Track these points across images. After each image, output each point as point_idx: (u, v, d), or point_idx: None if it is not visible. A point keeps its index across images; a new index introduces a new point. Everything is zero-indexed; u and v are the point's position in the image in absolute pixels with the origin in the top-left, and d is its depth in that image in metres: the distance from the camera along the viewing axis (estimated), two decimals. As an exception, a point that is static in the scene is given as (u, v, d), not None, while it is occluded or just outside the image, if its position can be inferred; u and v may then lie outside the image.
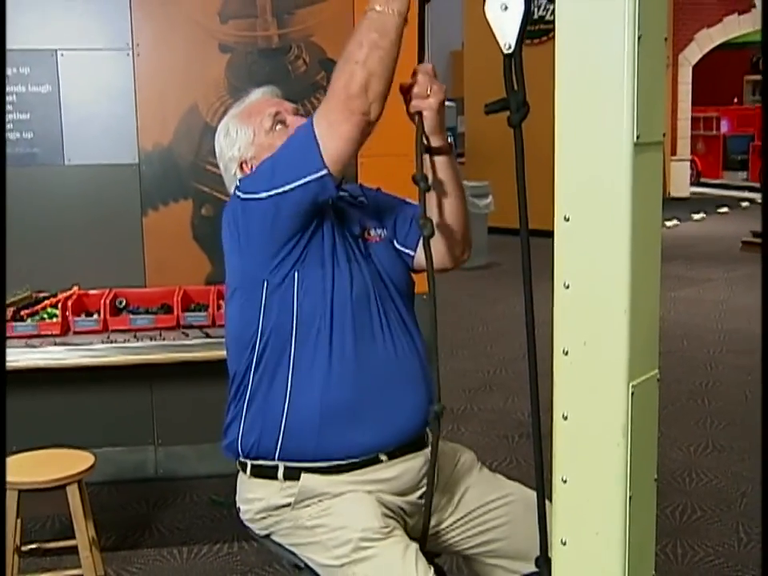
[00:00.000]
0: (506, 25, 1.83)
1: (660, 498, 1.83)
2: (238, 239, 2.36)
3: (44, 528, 4.01)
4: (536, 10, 12.46)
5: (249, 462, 2.42)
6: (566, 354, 1.65)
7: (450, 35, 15.89)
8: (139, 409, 4.41)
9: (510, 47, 1.84)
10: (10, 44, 4.11)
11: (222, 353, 2.61)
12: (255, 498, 2.42)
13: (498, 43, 1.84)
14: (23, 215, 4.22)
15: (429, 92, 2.27)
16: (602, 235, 1.60)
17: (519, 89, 1.88)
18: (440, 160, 2.38)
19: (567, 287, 1.64)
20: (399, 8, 2.11)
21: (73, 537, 3.34)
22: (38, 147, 4.22)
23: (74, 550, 3.36)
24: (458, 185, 2.44)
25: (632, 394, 1.62)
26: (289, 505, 2.36)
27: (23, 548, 3.51)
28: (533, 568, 1.99)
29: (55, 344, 3.77)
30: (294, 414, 2.34)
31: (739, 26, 17.08)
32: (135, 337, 3.81)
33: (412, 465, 2.41)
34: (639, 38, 1.56)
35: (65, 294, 4.03)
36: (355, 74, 2.09)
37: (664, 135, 1.75)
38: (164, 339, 3.80)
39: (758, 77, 21.58)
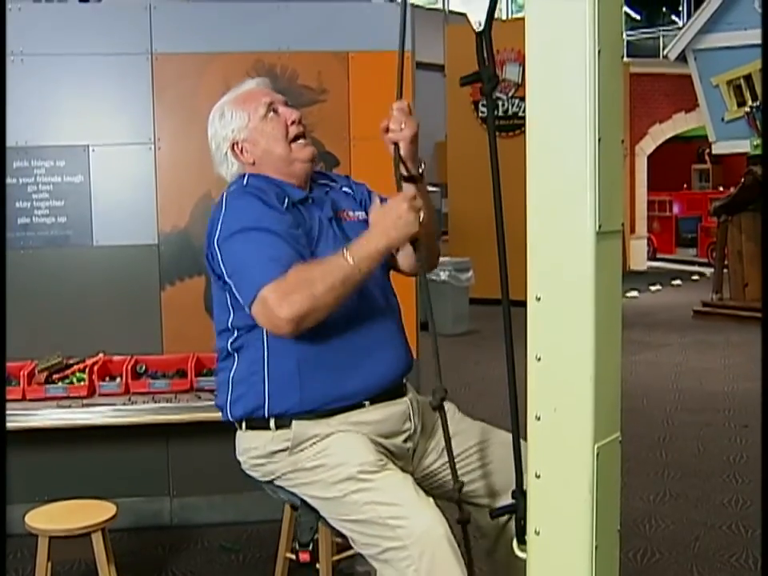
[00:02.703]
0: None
1: (622, 543, 1.81)
2: (208, 242, 2.40)
3: (71, 571, 3.95)
4: (510, 106, 12.61)
5: (243, 420, 2.43)
6: (539, 419, 1.65)
7: (434, 128, 16.06)
8: (156, 463, 4.37)
9: (480, 25, 1.90)
10: (49, 141, 4.19)
11: (230, 414, 2.60)
12: (252, 447, 2.41)
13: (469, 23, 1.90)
14: (57, 290, 4.24)
15: (403, 125, 2.32)
16: (569, 313, 1.61)
17: (489, 63, 1.93)
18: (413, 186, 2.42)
19: (539, 359, 1.65)
20: (368, 270, 2.22)
21: (97, 579, 3.31)
22: (71, 230, 4.23)
23: (98, 591, 3.32)
24: (428, 207, 2.43)
25: (597, 454, 1.62)
26: (285, 450, 2.33)
27: (53, 589, 3.46)
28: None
29: (83, 405, 3.76)
30: (274, 373, 2.34)
31: (686, 122, 17.30)
32: (153, 399, 3.80)
33: (394, 410, 2.40)
34: (599, 140, 1.58)
35: (92, 360, 4.02)
36: (303, 304, 2.15)
37: (623, 224, 1.77)
38: (179, 401, 3.79)
39: (704, 166, 21.81)
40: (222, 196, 2.43)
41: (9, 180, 4.15)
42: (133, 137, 4.25)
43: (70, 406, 3.74)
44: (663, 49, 18.99)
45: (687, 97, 14.51)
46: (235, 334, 2.41)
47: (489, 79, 1.95)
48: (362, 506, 2.20)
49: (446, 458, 2.43)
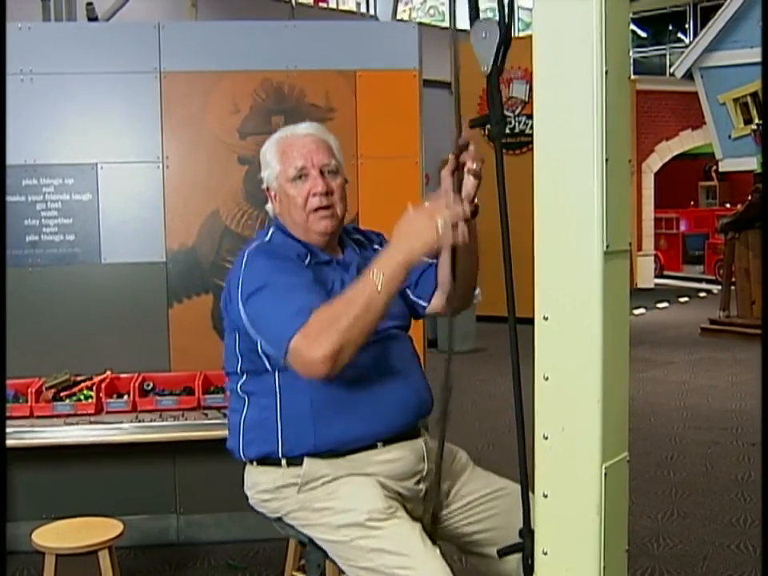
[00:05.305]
0: (485, 50, 1.89)
1: (631, 562, 1.81)
2: (228, 296, 2.41)
3: (77, 589, 3.95)
4: (516, 124, 12.63)
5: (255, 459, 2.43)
6: (546, 438, 1.65)
7: (441, 145, 16.10)
8: (163, 481, 4.37)
9: (487, 68, 1.91)
10: (58, 159, 4.21)
11: (237, 431, 2.60)
12: (261, 482, 2.40)
13: (480, 66, 1.91)
14: (65, 308, 4.25)
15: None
16: (577, 333, 1.61)
17: (497, 106, 1.93)
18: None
19: (546, 379, 1.64)
20: (390, 291, 2.10)
21: (103, 597, 3.30)
22: (79, 248, 4.25)
23: (104, 609, 3.32)
24: (474, 246, 2.42)
25: (605, 474, 1.61)
26: (294, 485, 2.32)
27: (58, 608, 3.45)
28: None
29: (90, 422, 3.77)
30: (288, 418, 2.32)
31: (693, 140, 17.32)
32: (161, 416, 3.81)
33: (407, 452, 2.37)
34: (606, 161, 1.58)
35: (99, 378, 4.02)
36: (332, 341, 2.06)
37: (630, 244, 1.77)
38: (186, 419, 3.80)
39: (711, 183, 21.82)
40: (243, 252, 2.39)
41: (18, 198, 4.18)
42: (141, 155, 4.28)
43: (77, 424, 3.75)
44: (670, 66, 19.06)
45: (694, 114, 14.53)
46: (244, 378, 2.42)
47: (497, 122, 1.95)
48: (368, 552, 2.19)
49: (457, 504, 2.45)
